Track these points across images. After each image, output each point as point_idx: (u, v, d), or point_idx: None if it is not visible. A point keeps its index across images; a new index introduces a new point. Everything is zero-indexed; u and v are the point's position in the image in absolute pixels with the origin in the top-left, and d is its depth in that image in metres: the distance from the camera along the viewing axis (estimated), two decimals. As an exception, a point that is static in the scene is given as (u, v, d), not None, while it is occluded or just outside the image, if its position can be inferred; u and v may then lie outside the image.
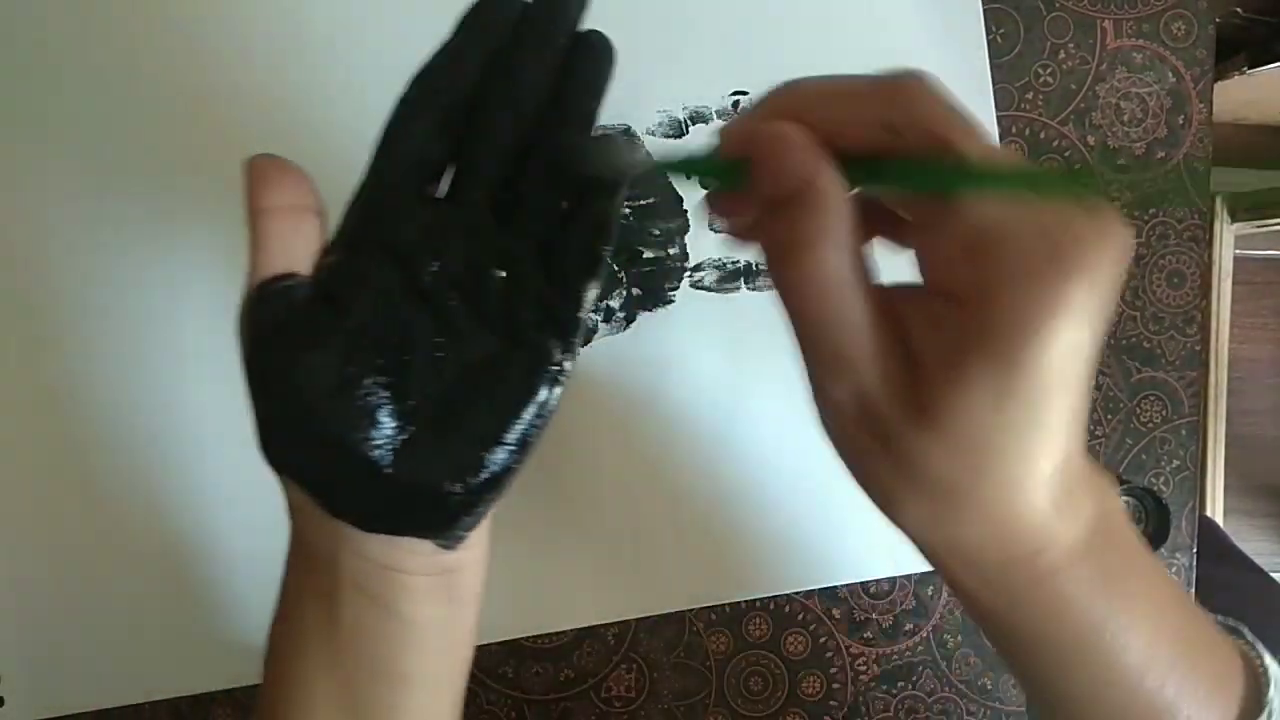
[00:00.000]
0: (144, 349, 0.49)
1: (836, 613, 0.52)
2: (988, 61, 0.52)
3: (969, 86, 0.52)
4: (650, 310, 0.51)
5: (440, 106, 0.29)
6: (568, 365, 0.28)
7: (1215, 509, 1.23)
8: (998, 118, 0.52)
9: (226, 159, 0.49)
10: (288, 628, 0.30)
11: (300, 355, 0.27)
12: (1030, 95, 0.53)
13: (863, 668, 0.53)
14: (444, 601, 0.30)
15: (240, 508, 0.49)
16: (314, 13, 0.50)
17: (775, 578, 0.52)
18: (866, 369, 0.24)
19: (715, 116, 0.51)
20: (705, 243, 0.52)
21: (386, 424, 0.27)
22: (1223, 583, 0.69)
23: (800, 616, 0.52)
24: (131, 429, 0.49)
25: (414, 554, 0.28)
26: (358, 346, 0.27)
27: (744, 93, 0.51)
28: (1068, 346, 0.22)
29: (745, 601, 0.52)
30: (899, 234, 0.27)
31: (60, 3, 0.49)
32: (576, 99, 0.29)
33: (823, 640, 0.52)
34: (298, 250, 0.28)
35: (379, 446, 0.27)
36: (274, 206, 0.28)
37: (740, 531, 0.52)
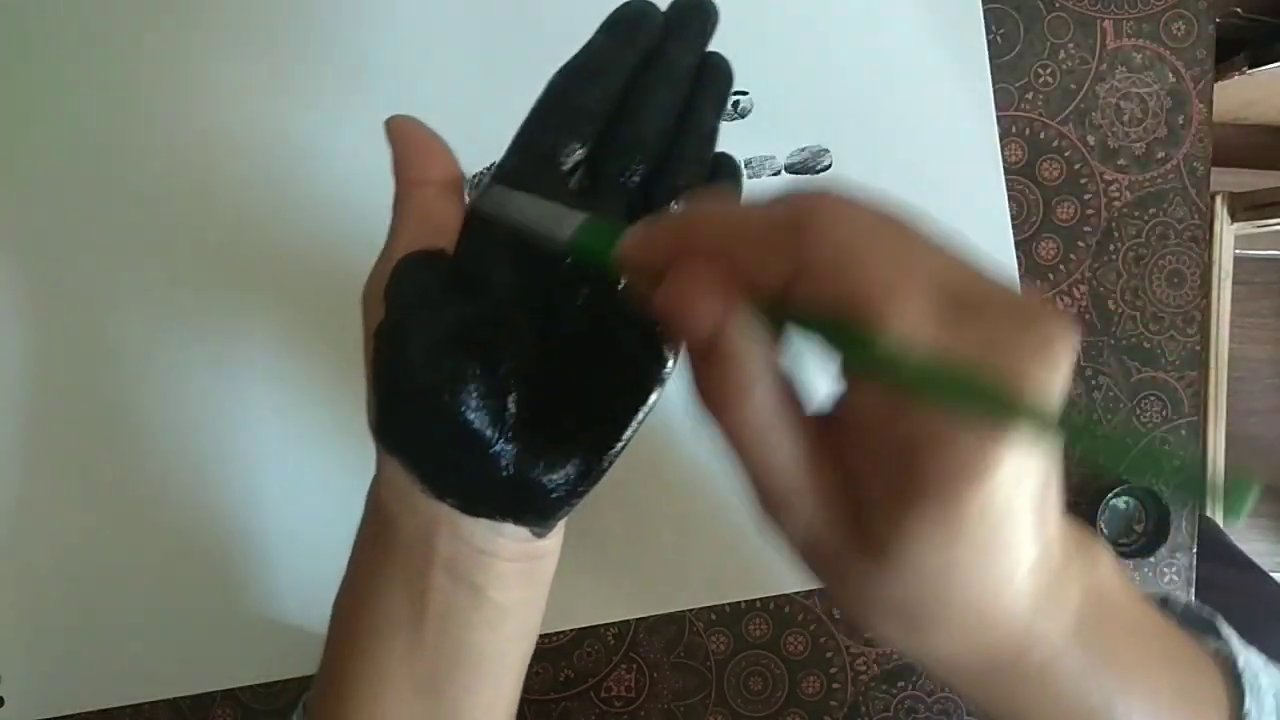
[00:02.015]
0: (145, 350, 0.49)
1: (837, 613, 0.52)
2: (988, 61, 0.52)
3: (969, 86, 0.52)
4: (650, 310, 0.51)
5: (580, 106, 0.29)
6: (672, 366, 0.29)
7: (1215, 509, 1.23)
8: (998, 118, 0.52)
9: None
10: (366, 608, 0.30)
11: (438, 334, 0.27)
12: (1030, 95, 0.53)
13: (863, 668, 0.53)
14: (526, 586, 0.30)
15: (244, 510, 0.49)
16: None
17: (775, 578, 0.52)
18: (808, 507, 0.23)
19: (715, 116, 0.51)
20: (705, 243, 0.51)
21: (507, 410, 0.27)
22: (1223, 583, 0.69)
23: (800, 616, 0.52)
24: (139, 431, 0.49)
25: (510, 540, 0.29)
26: (492, 330, 0.27)
27: (744, 93, 0.51)
28: (1014, 479, 0.20)
29: (745, 601, 0.52)
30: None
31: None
32: (702, 114, 0.30)
33: (823, 640, 0.52)
34: (445, 226, 0.28)
35: (497, 433, 0.27)
36: (426, 180, 0.28)
37: (740, 531, 0.52)
